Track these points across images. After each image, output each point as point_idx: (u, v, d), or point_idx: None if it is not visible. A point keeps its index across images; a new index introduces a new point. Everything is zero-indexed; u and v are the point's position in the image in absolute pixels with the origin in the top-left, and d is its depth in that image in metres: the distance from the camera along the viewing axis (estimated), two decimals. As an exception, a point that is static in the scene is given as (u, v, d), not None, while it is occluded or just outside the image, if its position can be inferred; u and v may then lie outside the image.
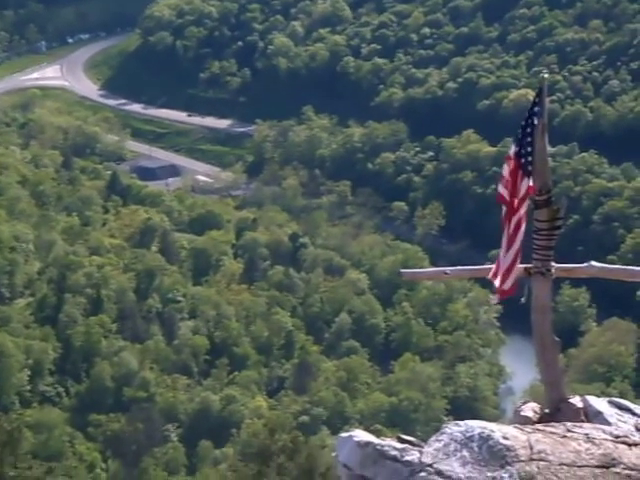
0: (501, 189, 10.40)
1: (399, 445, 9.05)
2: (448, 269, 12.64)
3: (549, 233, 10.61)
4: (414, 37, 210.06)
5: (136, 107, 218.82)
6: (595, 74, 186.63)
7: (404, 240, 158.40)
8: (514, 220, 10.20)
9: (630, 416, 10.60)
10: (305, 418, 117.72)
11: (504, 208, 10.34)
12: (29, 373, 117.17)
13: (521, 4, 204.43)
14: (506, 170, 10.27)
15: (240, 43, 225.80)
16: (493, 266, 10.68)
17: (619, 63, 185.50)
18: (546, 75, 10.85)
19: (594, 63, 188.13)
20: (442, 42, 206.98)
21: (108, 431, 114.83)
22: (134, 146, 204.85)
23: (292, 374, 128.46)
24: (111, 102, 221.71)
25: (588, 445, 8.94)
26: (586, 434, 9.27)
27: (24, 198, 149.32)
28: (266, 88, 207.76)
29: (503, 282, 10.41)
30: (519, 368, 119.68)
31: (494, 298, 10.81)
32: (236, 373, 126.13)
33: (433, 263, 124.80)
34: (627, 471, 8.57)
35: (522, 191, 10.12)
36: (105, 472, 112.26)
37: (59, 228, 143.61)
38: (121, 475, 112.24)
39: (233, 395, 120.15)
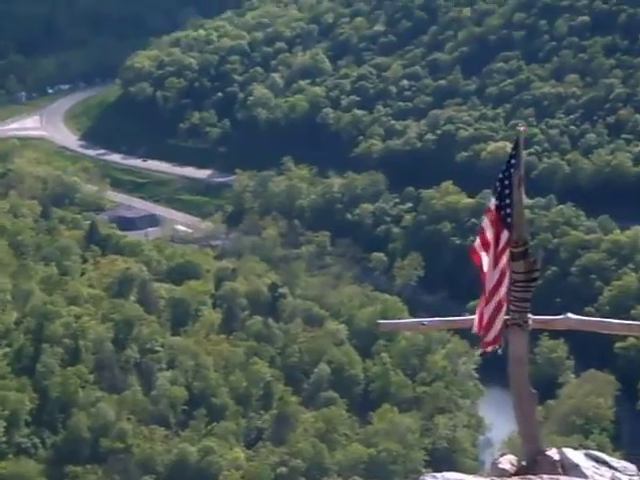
0: (477, 244, 10.61)
1: None
2: (426, 320, 12.81)
3: (526, 285, 10.76)
4: (393, 89, 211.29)
5: (115, 157, 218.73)
6: (572, 127, 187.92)
7: (383, 291, 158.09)
8: (497, 272, 10.39)
9: (607, 469, 10.62)
10: (283, 469, 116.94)
11: (482, 259, 10.54)
12: (4, 424, 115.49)
13: (499, 58, 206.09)
14: (486, 222, 10.51)
15: (220, 94, 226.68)
16: (474, 317, 10.88)
17: (596, 117, 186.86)
18: (523, 128, 11.14)
19: (571, 117, 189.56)
20: (421, 94, 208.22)
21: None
22: (113, 196, 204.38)
23: (270, 425, 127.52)
24: (90, 152, 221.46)
25: None
26: None
27: (2, 248, 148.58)
28: (246, 138, 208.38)
29: (486, 333, 10.62)
30: (498, 420, 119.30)
31: (481, 350, 10.98)
32: (214, 424, 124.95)
33: (412, 314, 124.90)
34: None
35: (502, 242, 10.35)
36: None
37: (37, 278, 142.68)
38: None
39: (211, 446, 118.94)
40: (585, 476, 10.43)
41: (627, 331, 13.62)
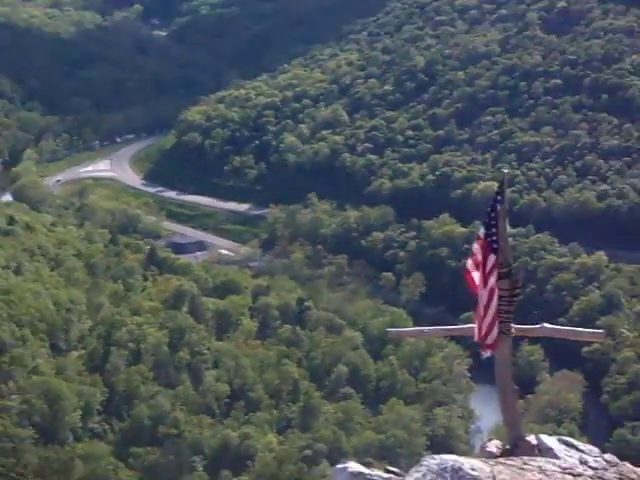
0: (469, 265, 10.85)
1: (385, 475, 9.41)
2: (427, 328, 13.07)
3: (509, 300, 10.97)
4: (400, 138, 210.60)
5: (171, 194, 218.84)
6: (547, 170, 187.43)
7: (391, 304, 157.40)
8: (487, 290, 10.61)
9: (575, 452, 10.82)
10: (308, 452, 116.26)
11: (474, 277, 10.77)
12: (80, 413, 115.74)
13: (487, 112, 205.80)
14: (477, 247, 10.76)
15: (257, 142, 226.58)
16: (473, 327, 11.08)
17: (566, 161, 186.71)
18: (506, 170, 11.44)
19: (546, 161, 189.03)
20: (423, 142, 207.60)
21: (146, 462, 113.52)
22: (169, 225, 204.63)
23: (298, 415, 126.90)
24: (151, 189, 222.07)
25: (541, 476, 9.24)
26: (539, 466, 9.53)
27: (78, 268, 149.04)
28: (278, 178, 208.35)
29: (486, 339, 10.85)
30: (486, 411, 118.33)
31: (484, 353, 11.14)
32: (251, 414, 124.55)
33: (415, 323, 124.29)
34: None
35: (489, 265, 10.58)
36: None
37: (107, 293, 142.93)
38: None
39: (249, 432, 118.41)
40: (557, 457, 10.53)
41: (591, 338, 13.75)
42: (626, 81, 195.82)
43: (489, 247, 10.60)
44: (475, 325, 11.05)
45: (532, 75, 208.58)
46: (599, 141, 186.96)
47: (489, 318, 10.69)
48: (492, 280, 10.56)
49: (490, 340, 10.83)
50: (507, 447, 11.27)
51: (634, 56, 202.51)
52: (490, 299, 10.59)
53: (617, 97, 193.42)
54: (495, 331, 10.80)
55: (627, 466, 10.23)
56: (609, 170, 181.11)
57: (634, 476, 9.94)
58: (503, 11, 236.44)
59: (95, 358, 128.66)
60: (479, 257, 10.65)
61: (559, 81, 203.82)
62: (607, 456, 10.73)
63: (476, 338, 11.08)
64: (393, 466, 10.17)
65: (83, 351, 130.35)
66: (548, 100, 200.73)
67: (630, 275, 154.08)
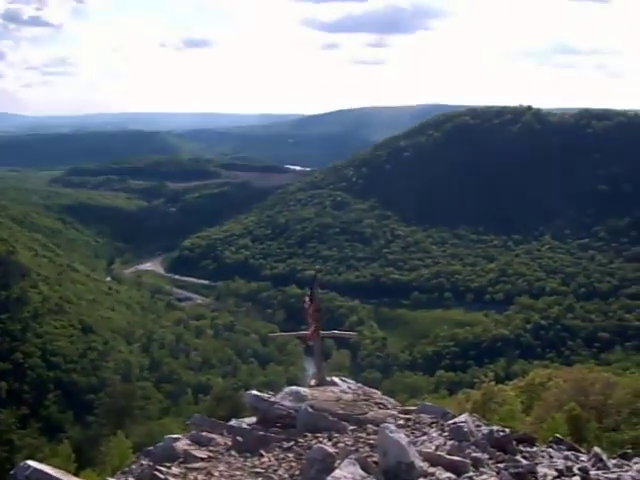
0: (306, 305, 21.27)
1: (267, 396, 15.40)
2: (290, 333, 23.32)
3: (318, 318, 17.92)
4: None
5: (177, 276, 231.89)
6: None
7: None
8: (312, 321, 17.94)
9: (346, 383, 17.53)
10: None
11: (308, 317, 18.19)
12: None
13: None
14: (307, 302, 19.49)
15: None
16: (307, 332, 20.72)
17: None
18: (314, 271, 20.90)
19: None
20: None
21: None
22: (176, 290, 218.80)
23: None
24: (169, 275, 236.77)
25: (329, 393, 15.22)
26: (331, 390, 15.58)
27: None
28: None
29: (311, 337, 18.09)
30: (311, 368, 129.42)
31: (310, 342, 18.33)
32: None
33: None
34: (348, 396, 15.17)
35: (310, 306, 20.13)
36: None
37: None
38: None
39: None
40: (339, 386, 16.79)
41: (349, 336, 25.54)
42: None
43: (311, 301, 17.80)
44: (307, 331, 18.28)
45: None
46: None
47: (311, 327, 18.16)
48: (311, 311, 17.96)
49: (311, 337, 18.43)
50: (318, 383, 17.27)
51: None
52: (312, 319, 18.15)
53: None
54: (315, 336, 18.17)
55: (367, 389, 16.92)
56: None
57: (374, 395, 16.34)
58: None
59: None
60: (308, 302, 18.02)
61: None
62: (360, 385, 17.48)
63: (307, 337, 18.55)
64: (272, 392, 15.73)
65: None
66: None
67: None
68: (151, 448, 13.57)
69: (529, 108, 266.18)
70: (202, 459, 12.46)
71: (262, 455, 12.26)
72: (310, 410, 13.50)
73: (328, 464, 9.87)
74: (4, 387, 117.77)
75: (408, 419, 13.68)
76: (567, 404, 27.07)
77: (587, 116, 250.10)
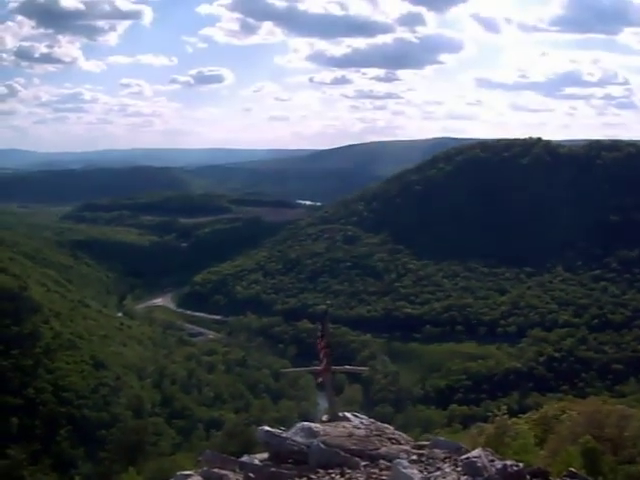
0: (318, 343, 22.05)
1: (279, 431, 14.49)
2: (300, 369, 23.11)
3: (329, 355, 18.61)
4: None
5: (189, 312, 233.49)
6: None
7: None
8: (324, 356, 18.62)
9: (358, 419, 17.90)
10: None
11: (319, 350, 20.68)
12: None
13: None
14: (319, 338, 21.29)
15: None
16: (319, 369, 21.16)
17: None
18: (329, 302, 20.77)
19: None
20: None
21: None
22: (187, 325, 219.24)
23: None
24: (180, 310, 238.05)
25: (342, 428, 15.68)
26: (343, 425, 16.08)
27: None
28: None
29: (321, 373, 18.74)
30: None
31: (320, 378, 18.83)
32: None
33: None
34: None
35: (321, 343, 20.98)
36: None
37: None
38: None
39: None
40: (350, 421, 17.30)
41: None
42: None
43: (322, 337, 18.38)
44: (318, 367, 18.85)
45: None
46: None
47: (323, 363, 18.71)
48: (322, 346, 18.64)
49: (323, 373, 18.94)
50: (330, 418, 17.70)
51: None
52: (323, 354, 18.80)
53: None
54: (327, 371, 18.78)
55: (380, 424, 17.30)
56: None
57: (386, 430, 16.73)
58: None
59: None
60: (320, 340, 18.70)
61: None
62: (372, 421, 17.64)
63: (319, 373, 18.94)
64: (284, 428, 15.90)
65: None
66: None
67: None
68: (163, 484, 13.56)
69: (539, 140, 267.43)
70: (214, 496, 12.48)
71: (274, 492, 12.35)
72: (322, 446, 13.62)
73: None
74: (15, 423, 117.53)
75: (421, 454, 13.72)
76: (581, 437, 26.74)
77: (596, 147, 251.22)
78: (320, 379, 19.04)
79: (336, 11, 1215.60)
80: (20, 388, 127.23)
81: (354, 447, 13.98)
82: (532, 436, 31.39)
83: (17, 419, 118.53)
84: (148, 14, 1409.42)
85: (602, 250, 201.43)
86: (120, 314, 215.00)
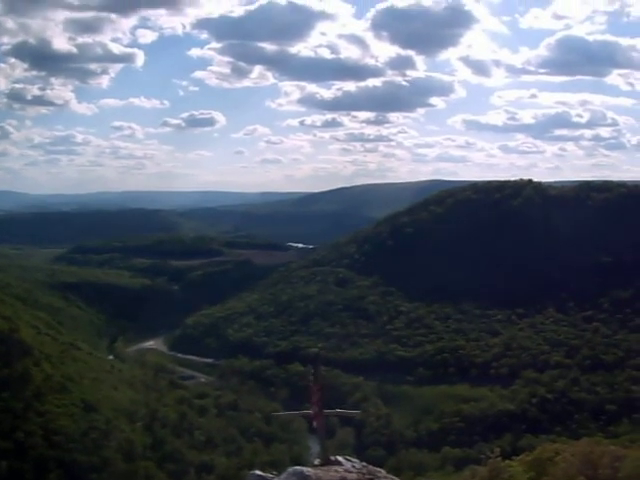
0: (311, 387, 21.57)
1: (271, 476, 15.49)
2: (292, 413, 23.37)
3: (321, 400, 18.51)
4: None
5: (180, 355, 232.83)
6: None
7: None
8: (316, 399, 18.61)
9: (350, 462, 18.17)
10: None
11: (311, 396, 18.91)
12: None
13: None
14: (310, 382, 21.25)
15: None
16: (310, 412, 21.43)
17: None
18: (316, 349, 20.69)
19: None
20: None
21: None
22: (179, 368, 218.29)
23: None
24: (171, 353, 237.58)
25: (333, 473, 16.19)
26: (335, 469, 16.55)
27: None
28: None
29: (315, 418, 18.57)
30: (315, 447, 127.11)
31: (314, 423, 18.42)
32: None
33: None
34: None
35: (314, 388, 21.32)
36: None
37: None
38: None
39: None
40: (342, 465, 17.24)
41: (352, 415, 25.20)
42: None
43: (314, 382, 18.12)
44: (310, 411, 21.43)
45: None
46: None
47: (315, 407, 18.50)
48: (314, 390, 18.46)
49: (315, 417, 18.81)
50: (322, 462, 17.79)
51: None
52: (315, 398, 18.60)
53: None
54: (320, 417, 18.54)
55: (372, 467, 17.65)
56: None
57: (378, 474, 17.20)
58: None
59: None
60: (311, 381, 18.49)
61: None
62: (365, 464, 17.96)
63: (311, 416, 18.83)
64: (276, 472, 16.36)
65: None
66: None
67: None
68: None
69: (529, 182, 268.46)
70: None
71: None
72: (314, 490, 13.34)
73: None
74: (5, 466, 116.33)
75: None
76: (575, 478, 26.63)
77: (587, 188, 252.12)
78: (315, 423, 18.92)
79: (326, 55, 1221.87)
80: (10, 431, 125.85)
81: (346, 490, 13.77)
82: (526, 478, 31.21)
83: (6, 463, 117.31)
84: (140, 57, 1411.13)
85: (594, 291, 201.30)
86: (111, 357, 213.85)
